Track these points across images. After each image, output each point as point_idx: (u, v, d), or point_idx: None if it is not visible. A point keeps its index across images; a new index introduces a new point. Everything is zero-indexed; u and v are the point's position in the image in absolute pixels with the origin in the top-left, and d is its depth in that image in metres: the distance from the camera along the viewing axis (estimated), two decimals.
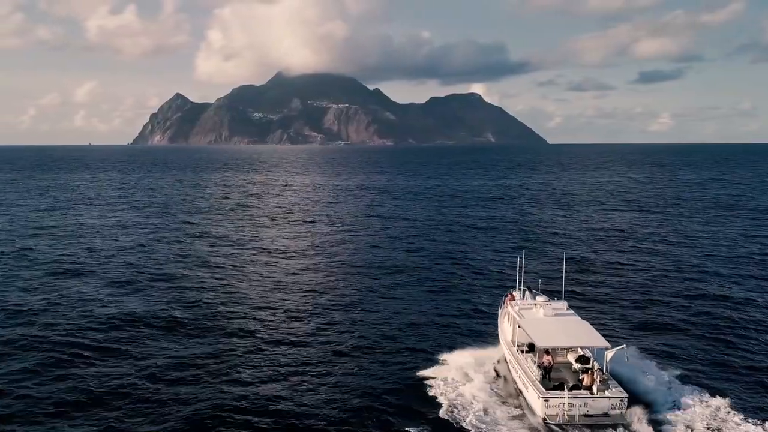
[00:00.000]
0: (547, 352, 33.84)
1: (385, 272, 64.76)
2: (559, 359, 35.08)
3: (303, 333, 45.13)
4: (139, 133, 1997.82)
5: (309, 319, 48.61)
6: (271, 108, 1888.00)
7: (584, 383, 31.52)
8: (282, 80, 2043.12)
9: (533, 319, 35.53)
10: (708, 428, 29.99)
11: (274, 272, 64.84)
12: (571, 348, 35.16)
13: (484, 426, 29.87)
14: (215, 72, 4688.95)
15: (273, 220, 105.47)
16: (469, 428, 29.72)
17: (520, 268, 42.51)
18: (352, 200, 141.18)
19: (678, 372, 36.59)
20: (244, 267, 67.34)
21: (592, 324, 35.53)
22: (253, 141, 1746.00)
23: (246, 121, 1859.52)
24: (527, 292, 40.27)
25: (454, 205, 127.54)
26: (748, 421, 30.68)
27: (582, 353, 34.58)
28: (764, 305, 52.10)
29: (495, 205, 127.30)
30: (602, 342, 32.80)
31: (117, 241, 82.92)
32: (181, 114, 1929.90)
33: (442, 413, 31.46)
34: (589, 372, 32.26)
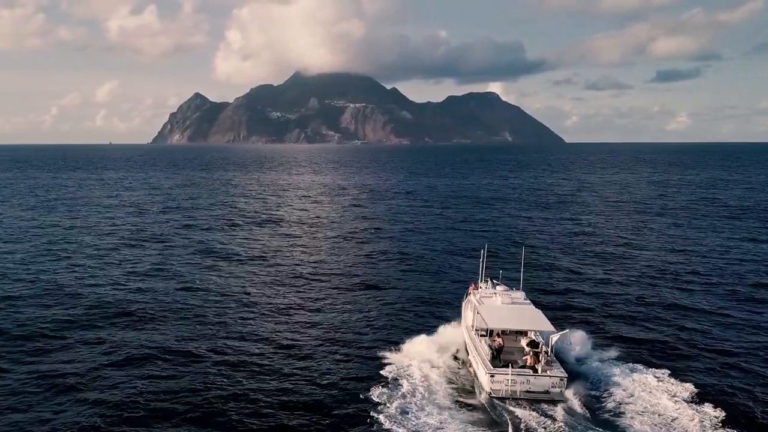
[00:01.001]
0: (498, 334, 37.42)
1: (354, 272, 65.93)
2: (515, 344, 38.17)
3: (263, 330, 46.26)
4: (158, 133, 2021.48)
5: (266, 318, 49.69)
6: (288, 107, 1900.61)
7: (528, 363, 34.45)
8: (300, 80, 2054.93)
9: (490, 306, 39.14)
10: (642, 405, 32.15)
11: (230, 276, 63.42)
12: (519, 331, 38.40)
13: (437, 399, 32.75)
14: (234, 72, 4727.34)
15: (248, 221, 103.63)
16: (423, 403, 32.07)
17: (483, 260, 45.47)
18: (342, 200, 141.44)
19: (620, 354, 39.16)
20: (194, 272, 64.85)
21: (545, 311, 38.71)
22: (271, 140, 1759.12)
23: (264, 120, 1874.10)
24: (489, 283, 43.39)
25: (446, 206, 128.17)
26: (680, 399, 32.77)
27: (533, 338, 37.60)
28: (710, 294, 55.21)
29: (492, 205, 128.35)
30: (548, 327, 35.98)
31: (70, 241, 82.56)
32: (200, 113, 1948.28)
33: (398, 392, 33.73)
34: (532, 353, 35.09)
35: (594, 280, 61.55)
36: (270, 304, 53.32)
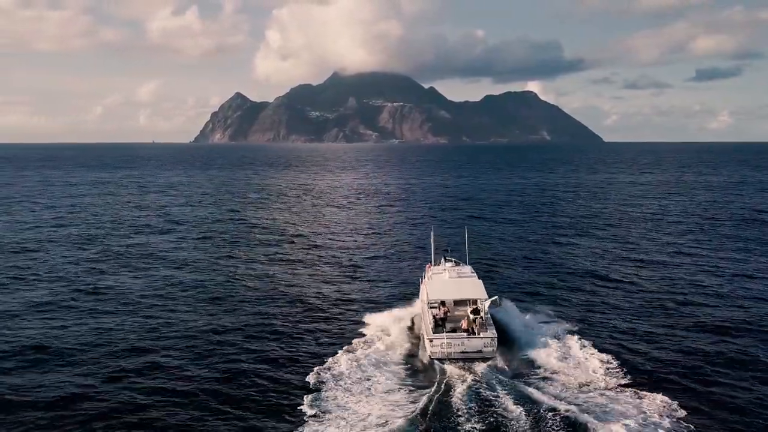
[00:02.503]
0: (443, 304, 42.15)
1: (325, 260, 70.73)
2: (463, 312, 42.00)
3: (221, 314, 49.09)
4: (200, 131, 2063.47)
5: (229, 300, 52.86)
6: (327, 107, 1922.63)
7: (462, 327, 39.12)
8: (338, 80, 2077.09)
9: (437, 280, 44.38)
10: (562, 362, 36.45)
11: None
12: (457, 300, 42.89)
13: (388, 363, 37.22)
14: (273, 72, 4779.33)
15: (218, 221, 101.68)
16: (375, 366, 36.58)
17: (432, 241, 51.21)
18: (338, 199, 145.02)
19: (549, 318, 44.21)
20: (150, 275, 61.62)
21: (486, 281, 43.75)
22: (310, 139, 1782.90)
23: (303, 119, 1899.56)
24: (443, 260, 48.32)
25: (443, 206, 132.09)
26: (596, 354, 37.52)
27: (476, 306, 41.55)
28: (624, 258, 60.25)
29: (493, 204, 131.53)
30: (482, 294, 41.04)
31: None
32: (241, 113, 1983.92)
33: (354, 358, 38.21)
34: (467, 318, 39.82)
35: (546, 261, 68.50)
36: (239, 282, 58.23)
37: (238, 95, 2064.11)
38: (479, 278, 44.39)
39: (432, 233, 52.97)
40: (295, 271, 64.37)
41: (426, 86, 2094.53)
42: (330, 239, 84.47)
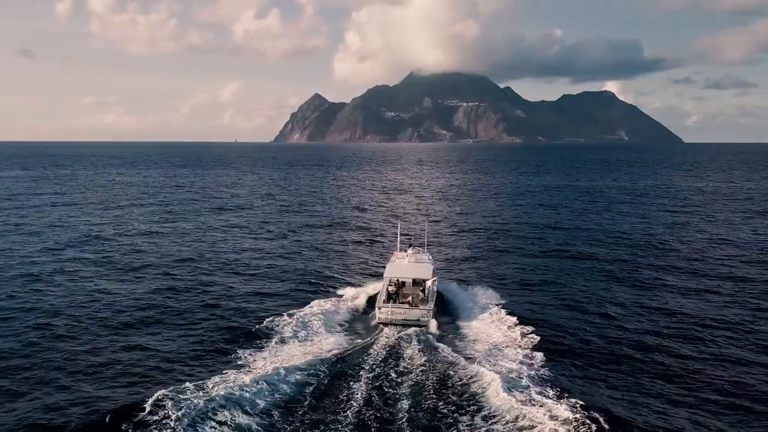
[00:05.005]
0: (402, 284, 49.56)
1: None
2: (416, 289, 48.96)
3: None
4: (279, 132, 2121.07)
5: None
6: (403, 107, 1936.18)
7: (408, 301, 45.87)
8: (414, 80, 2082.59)
9: (396, 263, 52.51)
10: (484, 335, 41.84)
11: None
12: (413, 279, 50.88)
13: (345, 320, 45.71)
14: (351, 73, 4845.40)
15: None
16: (333, 322, 44.39)
17: (398, 232, 61.13)
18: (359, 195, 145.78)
19: (486, 296, 50.26)
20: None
21: (443, 263, 53.64)
22: (385, 139, 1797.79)
23: (379, 119, 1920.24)
24: (409, 247, 57.08)
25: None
26: (516, 323, 43.00)
27: (423, 285, 48.55)
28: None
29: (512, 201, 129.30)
30: (427, 275, 49.45)
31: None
32: (319, 113, 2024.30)
33: (326, 319, 44.80)
34: (413, 294, 47.89)
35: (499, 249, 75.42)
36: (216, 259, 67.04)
37: (317, 96, 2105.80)
38: (432, 264, 52.90)
39: (399, 226, 64.99)
40: (304, 251, 73.17)
41: (502, 86, 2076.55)
42: (335, 227, 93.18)
